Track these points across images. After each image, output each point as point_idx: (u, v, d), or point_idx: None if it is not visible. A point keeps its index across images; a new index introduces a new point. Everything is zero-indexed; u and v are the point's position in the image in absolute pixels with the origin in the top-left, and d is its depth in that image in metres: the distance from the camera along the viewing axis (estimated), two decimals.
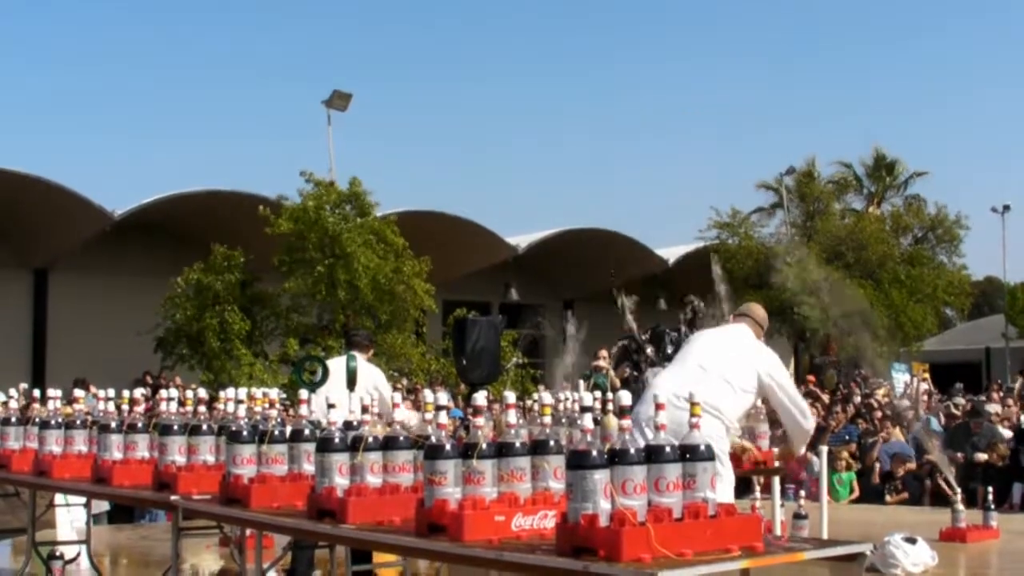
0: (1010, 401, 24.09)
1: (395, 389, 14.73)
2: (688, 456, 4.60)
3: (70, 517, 12.10)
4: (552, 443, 5.14)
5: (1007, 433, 19.26)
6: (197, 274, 28.84)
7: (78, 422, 8.42)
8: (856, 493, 18.95)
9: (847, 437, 20.14)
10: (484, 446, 5.00)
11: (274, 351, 28.85)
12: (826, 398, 26.81)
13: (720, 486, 6.67)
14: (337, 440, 5.79)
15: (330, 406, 6.01)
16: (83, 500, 10.44)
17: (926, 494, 18.28)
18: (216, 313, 28.45)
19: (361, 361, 10.32)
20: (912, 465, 18.90)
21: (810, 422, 8.33)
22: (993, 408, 20.66)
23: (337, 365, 9.91)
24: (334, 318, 29.12)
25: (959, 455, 18.52)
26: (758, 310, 8.92)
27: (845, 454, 19.30)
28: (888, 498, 18.43)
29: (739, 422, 8.32)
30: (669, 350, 17.70)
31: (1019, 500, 17.49)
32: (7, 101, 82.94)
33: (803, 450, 8.80)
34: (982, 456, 18.33)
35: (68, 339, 33.90)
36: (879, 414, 21.33)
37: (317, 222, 28.55)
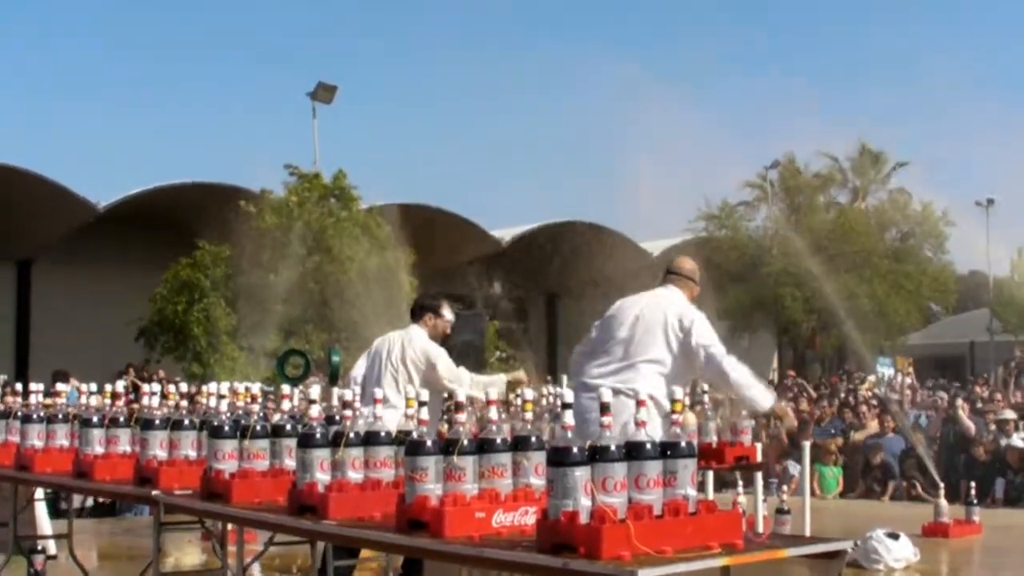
0: (998, 396, 24.10)
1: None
2: (669, 453, 4.60)
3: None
4: (533, 439, 5.13)
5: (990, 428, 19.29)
6: (185, 270, 28.79)
7: (60, 416, 8.39)
8: (841, 487, 19.01)
9: (832, 431, 20.21)
10: (465, 442, 5.00)
11: (258, 344, 28.81)
12: (812, 392, 26.91)
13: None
14: (318, 436, 5.77)
15: (311, 401, 6.00)
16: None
17: (909, 489, 18.33)
18: (203, 307, 28.41)
19: (415, 333, 9.83)
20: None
21: (740, 371, 8.15)
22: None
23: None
24: (317, 311, 29.06)
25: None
26: (685, 264, 8.83)
27: (833, 447, 19.36)
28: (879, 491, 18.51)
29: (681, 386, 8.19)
30: None
31: (1002, 495, 17.53)
32: None
33: (769, 400, 8.45)
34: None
35: (52, 331, 33.84)
36: (864, 408, 21.38)
37: (301, 216, 28.50)
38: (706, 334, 8.17)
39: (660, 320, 8.19)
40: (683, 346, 8.11)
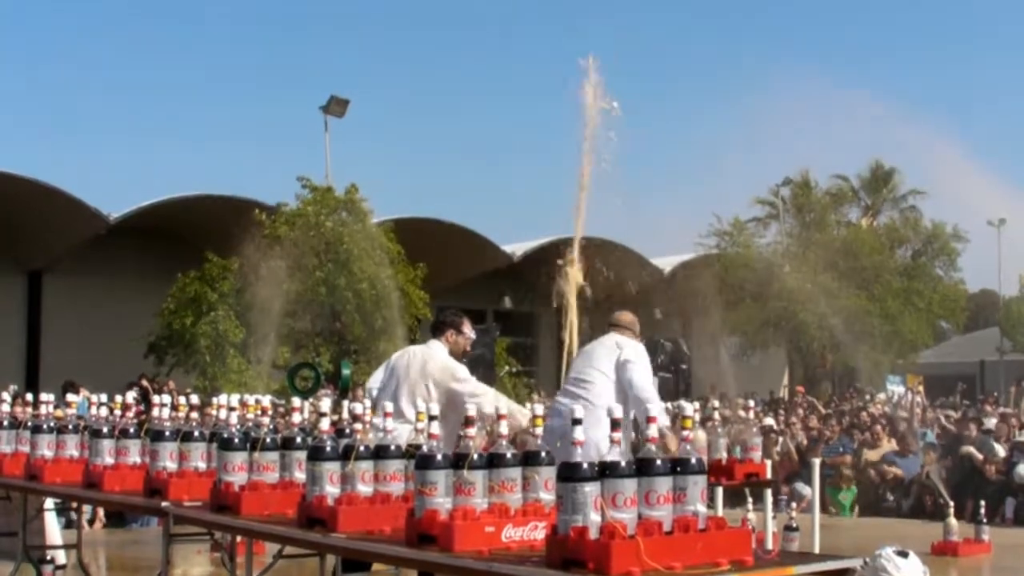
0: (1013, 418, 23.95)
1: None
2: (679, 469, 4.59)
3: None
4: (543, 454, 5.13)
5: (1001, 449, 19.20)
6: (193, 284, 28.83)
7: (70, 426, 8.40)
8: (856, 512, 18.95)
9: (841, 449, 20.14)
10: (475, 456, 5.00)
11: (267, 356, 28.82)
12: (822, 409, 26.84)
13: None
14: (328, 449, 5.78)
15: (321, 414, 5.99)
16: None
17: (919, 507, 18.29)
18: (211, 320, 28.44)
19: (436, 349, 9.84)
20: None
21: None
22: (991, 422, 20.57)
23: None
24: (328, 324, 29.10)
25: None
26: (625, 316, 10.03)
27: (846, 472, 19.28)
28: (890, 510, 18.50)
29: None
30: (660, 359, 17.72)
31: (1011, 514, 17.47)
32: (2, 103, 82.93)
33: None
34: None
35: (62, 342, 33.85)
36: (878, 427, 21.29)
37: (316, 226, 28.55)
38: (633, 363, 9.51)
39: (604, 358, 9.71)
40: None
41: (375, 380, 9.78)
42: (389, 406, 6.49)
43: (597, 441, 7.54)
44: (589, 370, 9.57)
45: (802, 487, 18.09)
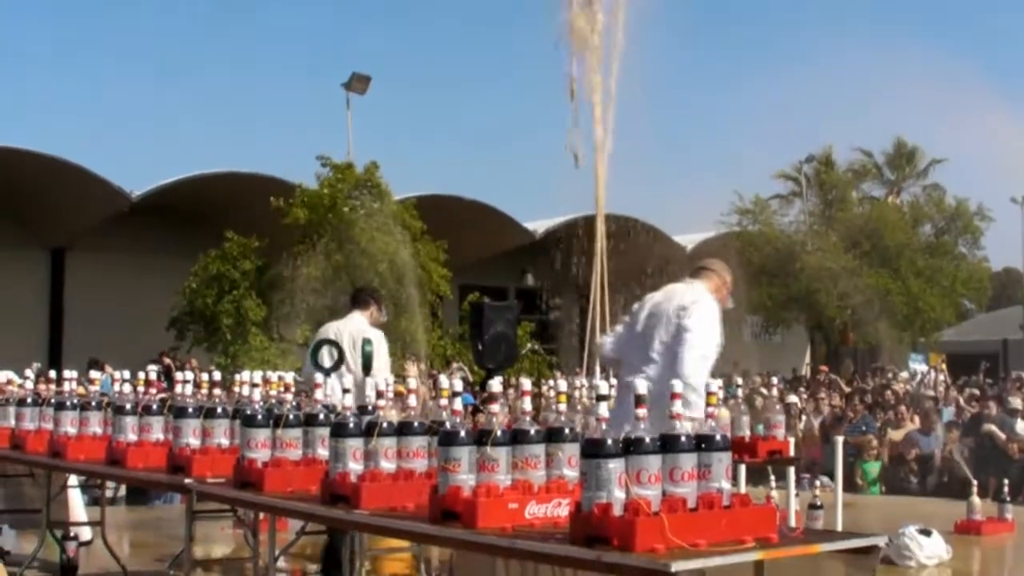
0: None
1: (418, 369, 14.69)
2: (703, 446, 4.58)
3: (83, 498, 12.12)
4: (567, 431, 5.11)
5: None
6: (215, 263, 28.87)
7: (93, 403, 8.41)
8: (883, 488, 18.89)
9: (864, 428, 20.08)
10: (499, 433, 4.98)
11: (290, 334, 28.87)
12: (845, 387, 26.76)
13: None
14: (351, 425, 5.77)
15: (345, 391, 5.99)
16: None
17: (941, 485, 18.23)
18: (233, 299, 28.49)
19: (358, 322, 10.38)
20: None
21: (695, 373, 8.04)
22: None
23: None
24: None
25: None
26: (715, 262, 9.00)
27: (874, 442, 19.24)
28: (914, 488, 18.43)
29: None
30: None
31: None
32: (29, 82, 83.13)
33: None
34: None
35: (85, 319, 33.97)
36: (903, 407, 21.22)
37: (333, 209, 28.53)
38: (696, 321, 8.26)
39: (666, 310, 8.30)
40: (675, 330, 8.21)
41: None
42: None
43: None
44: (651, 342, 8.44)
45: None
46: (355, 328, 10.21)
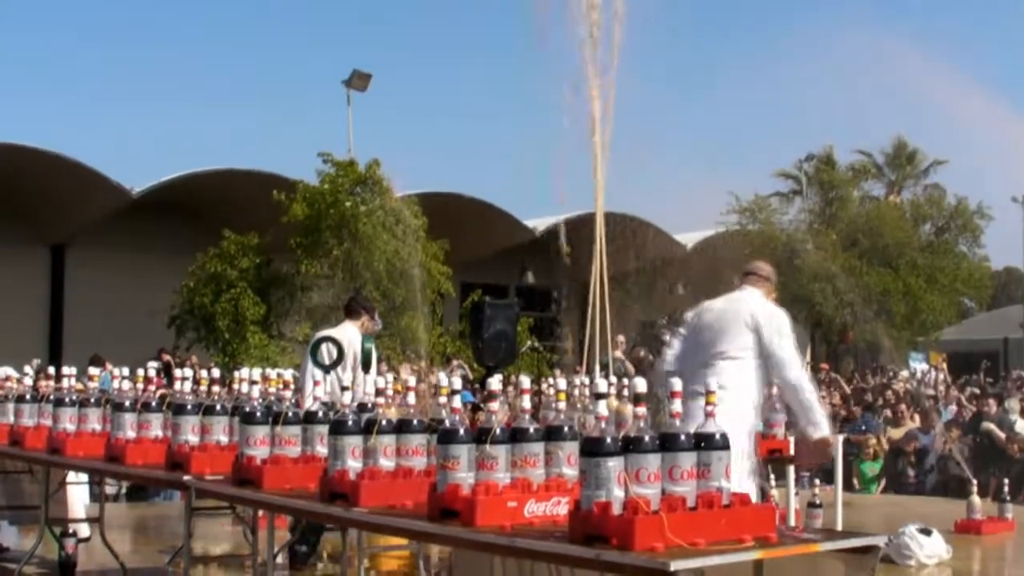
0: None
1: (412, 372, 14.72)
2: (703, 445, 4.57)
3: (81, 495, 12.11)
4: (566, 429, 5.11)
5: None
6: (212, 261, 28.84)
7: (92, 400, 8.40)
8: (883, 484, 18.90)
9: (863, 427, 20.08)
10: (498, 431, 4.97)
11: (290, 331, 28.85)
12: (846, 387, 26.75)
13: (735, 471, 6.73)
14: (350, 423, 5.76)
15: (343, 388, 5.99)
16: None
17: (941, 484, 18.24)
18: (232, 296, 28.46)
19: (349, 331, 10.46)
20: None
21: (807, 389, 8.35)
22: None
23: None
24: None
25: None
26: (763, 266, 9.10)
27: (873, 441, 19.24)
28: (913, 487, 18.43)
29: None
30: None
31: None
32: (27, 77, 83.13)
33: (822, 431, 8.47)
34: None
35: (84, 315, 33.94)
36: (903, 406, 21.22)
37: (333, 205, 28.49)
38: (776, 336, 8.38)
39: (734, 317, 8.42)
40: (757, 343, 8.23)
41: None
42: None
43: (740, 442, 7.55)
44: (718, 353, 8.43)
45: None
46: (347, 337, 10.27)
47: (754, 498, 8.06)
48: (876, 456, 19.16)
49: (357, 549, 9.02)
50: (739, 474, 7.72)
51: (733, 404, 7.67)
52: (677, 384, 4.75)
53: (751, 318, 8.37)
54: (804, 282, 39.72)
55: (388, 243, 28.25)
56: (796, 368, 8.40)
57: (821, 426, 8.37)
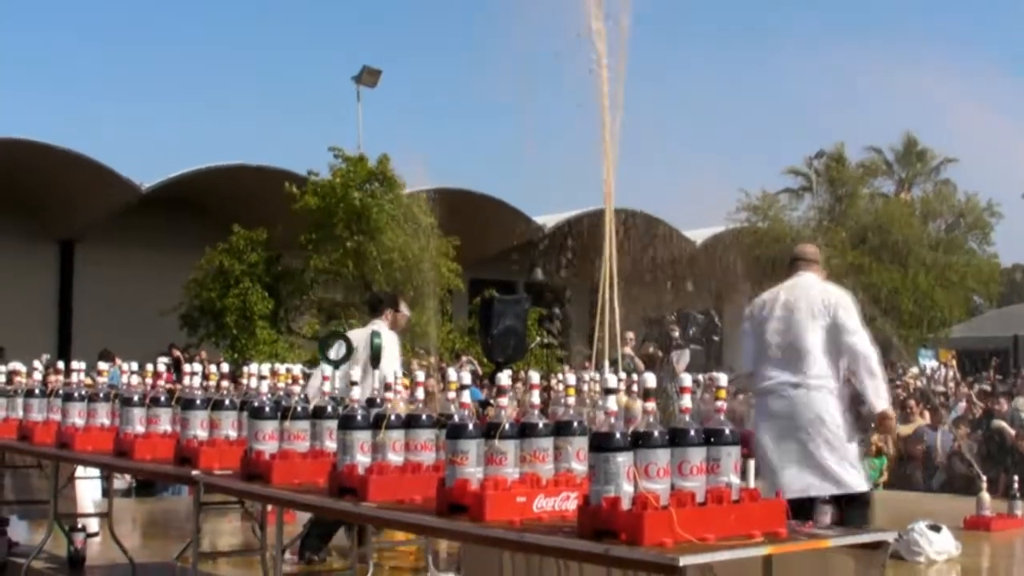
0: None
1: (421, 367, 14.72)
2: (712, 440, 4.55)
3: (91, 490, 12.13)
4: (575, 424, 5.10)
5: None
6: (220, 256, 28.86)
7: (101, 395, 8.40)
8: (884, 477, 18.85)
9: (872, 424, 20.02)
10: (507, 426, 4.96)
11: (300, 327, 28.87)
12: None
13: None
14: (359, 418, 5.75)
15: (352, 383, 5.99)
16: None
17: (951, 481, 18.21)
18: (240, 291, 28.48)
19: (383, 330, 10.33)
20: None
21: (875, 357, 8.46)
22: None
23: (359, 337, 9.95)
24: (359, 295, 29.11)
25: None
26: (809, 248, 9.21)
27: (875, 437, 19.20)
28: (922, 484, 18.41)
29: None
30: (692, 331, 17.61)
31: None
32: (34, 72, 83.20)
33: (883, 403, 8.63)
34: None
35: (94, 311, 34.00)
36: (913, 403, 21.18)
37: (344, 198, 28.50)
38: (844, 312, 8.49)
39: (806, 305, 8.50)
40: (831, 326, 8.27)
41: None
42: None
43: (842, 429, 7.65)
44: (798, 342, 8.50)
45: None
46: (363, 335, 10.19)
47: (864, 485, 8.21)
48: (880, 453, 19.11)
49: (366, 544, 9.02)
50: (850, 459, 7.84)
51: (827, 393, 7.88)
52: (687, 380, 4.75)
53: (821, 303, 8.46)
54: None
55: (399, 236, 28.28)
56: (866, 339, 8.49)
57: (885, 398, 8.58)
